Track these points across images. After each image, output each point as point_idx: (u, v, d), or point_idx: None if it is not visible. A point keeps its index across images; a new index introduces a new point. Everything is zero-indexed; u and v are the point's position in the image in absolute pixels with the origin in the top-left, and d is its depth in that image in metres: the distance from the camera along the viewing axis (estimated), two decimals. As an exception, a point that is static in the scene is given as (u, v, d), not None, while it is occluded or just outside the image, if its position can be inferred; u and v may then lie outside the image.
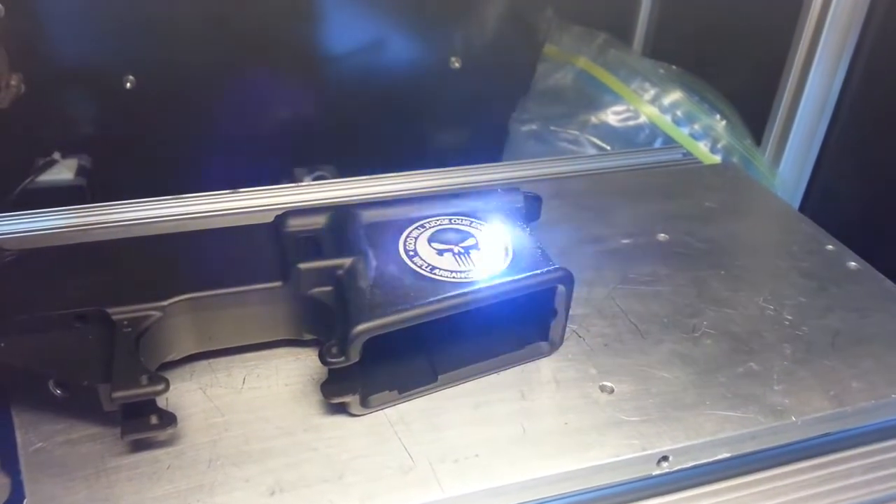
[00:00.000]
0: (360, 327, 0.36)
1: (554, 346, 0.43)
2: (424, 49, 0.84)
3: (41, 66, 0.73)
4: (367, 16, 0.81)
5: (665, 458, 0.38)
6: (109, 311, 0.37)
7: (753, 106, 0.77)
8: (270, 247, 0.42)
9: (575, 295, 0.42)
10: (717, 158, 0.75)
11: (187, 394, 0.39)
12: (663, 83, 0.81)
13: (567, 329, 0.43)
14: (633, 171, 0.63)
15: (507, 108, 0.87)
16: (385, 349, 0.38)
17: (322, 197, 0.57)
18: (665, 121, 0.79)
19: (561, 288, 0.40)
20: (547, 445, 0.37)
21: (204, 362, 0.41)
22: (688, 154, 0.66)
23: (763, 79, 0.75)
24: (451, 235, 0.43)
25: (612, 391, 0.40)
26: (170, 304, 0.38)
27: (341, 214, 0.43)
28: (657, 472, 0.38)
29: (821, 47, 0.69)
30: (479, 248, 0.42)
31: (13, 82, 0.71)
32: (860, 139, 0.72)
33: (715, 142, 0.77)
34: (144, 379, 0.34)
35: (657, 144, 0.78)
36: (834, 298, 0.48)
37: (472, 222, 0.44)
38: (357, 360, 0.36)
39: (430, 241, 0.42)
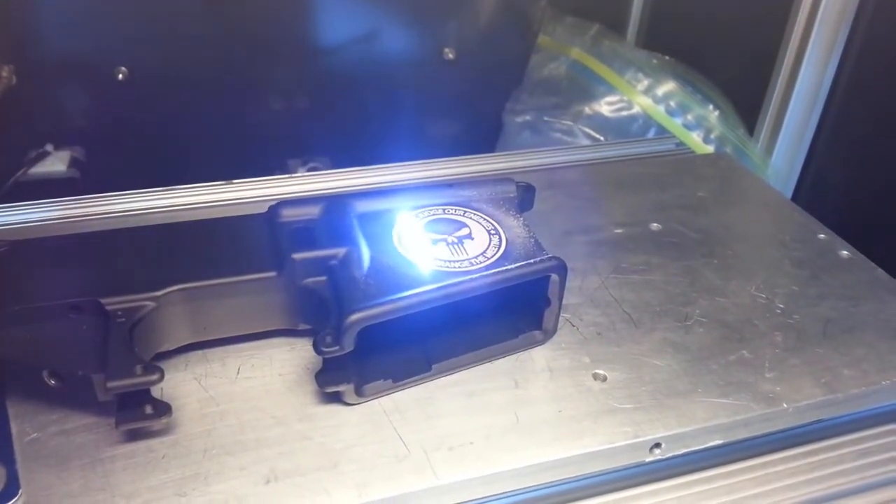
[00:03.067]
0: (355, 317, 0.36)
1: (547, 335, 0.43)
2: (417, 40, 0.84)
3: (32, 58, 0.72)
4: (360, 7, 0.80)
5: (658, 445, 0.38)
6: (103, 301, 0.37)
7: (746, 96, 0.77)
8: (264, 237, 0.42)
9: (568, 284, 0.42)
10: (710, 148, 0.75)
11: (182, 384, 0.39)
12: (657, 74, 0.81)
13: (560, 318, 0.43)
14: (627, 161, 0.63)
15: (500, 99, 0.87)
16: (379, 339, 0.38)
17: (316, 187, 0.57)
18: (658, 111, 0.79)
19: (554, 277, 0.40)
20: (541, 433, 0.38)
21: (198, 352, 0.41)
22: (681, 144, 0.67)
23: (756, 69, 0.75)
24: (444, 225, 0.43)
25: (605, 379, 0.41)
26: (164, 295, 0.38)
27: (335, 204, 0.43)
28: (650, 458, 0.38)
29: (813, 38, 0.69)
30: (472, 237, 0.42)
31: (4, 74, 0.70)
32: (852, 129, 0.72)
33: (708, 132, 0.77)
34: (139, 369, 0.34)
35: (650, 135, 0.78)
36: (826, 287, 0.48)
37: (465, 212, 0.44)
38: (351, 349, 0.36)
39: (423, 230, 0.42)
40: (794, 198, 0.76)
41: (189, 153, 0.78)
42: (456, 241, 0.42)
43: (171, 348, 0.40)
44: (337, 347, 0.36)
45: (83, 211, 0.53)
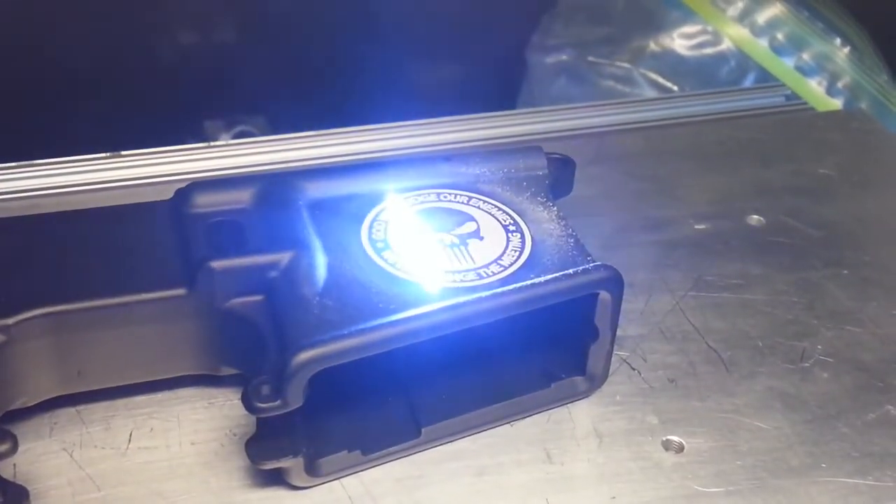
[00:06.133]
0: (305, 355, 0.36)
1: (595, 384, 0.43)
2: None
3: None
4: None
5: (761, 549, 0.38)
6: (-74, 334, 0.37)
7: (892, 26, 0.77)
8: (169, 236, 0.42)
9: (626, 306, 0.42)
10: (838, 103, 0.75)
11: (46, 457, 0.39)
12: (757, -9, 0.81)
13: (614, 358, 0.43)
14: (712, 121, 0.64)
15: (523, 28, 0.87)
16: (342, 390, 0.38)
17: (246, 162, 0.58)
18: (759, 48, 0.79)
19: (604, 296, 0.40)
20: (585, 531, 0.38)
21: (71, 410, 0.41)
22: (793, 96, 0.67)
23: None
24: (440, 218, 0.43)
25: (681, 449, 0.41)
26: (17, 324, 0.38)
27: (275, 188, 0.43)
28: (749, 569, 0.38)
29: None
30: (481, 236, 0.42)
31: None
32: None
33: (834, 79, 0.77)
34: (-20, 435, 0.34)
35: (748, 83, 0.79)
36: None
37: (471, 198, 0.44)
38: (300, 404, 0.36)
39: (408, 226, 0.42)
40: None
41: (57, 110, 0.78)
42: (457, 241, 0.42)
43: (29, 404, 0.40)
44: (278, 402, 0.36)
45: None
